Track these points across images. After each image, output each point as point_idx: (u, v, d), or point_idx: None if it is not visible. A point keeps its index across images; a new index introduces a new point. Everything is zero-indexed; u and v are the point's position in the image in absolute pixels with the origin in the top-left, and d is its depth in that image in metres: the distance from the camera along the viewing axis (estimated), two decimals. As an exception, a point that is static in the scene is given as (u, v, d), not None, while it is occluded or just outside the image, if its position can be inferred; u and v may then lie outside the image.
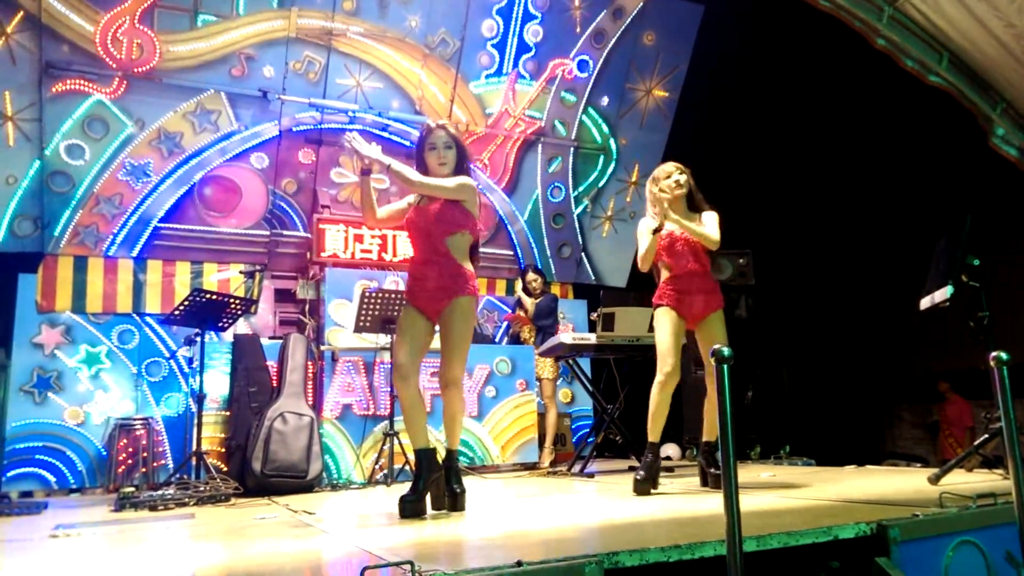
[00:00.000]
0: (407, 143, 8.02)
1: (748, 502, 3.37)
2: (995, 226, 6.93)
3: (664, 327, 4.08)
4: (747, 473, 5.13)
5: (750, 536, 2.31)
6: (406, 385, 3.48)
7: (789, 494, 3.70)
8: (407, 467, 5.72)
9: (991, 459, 4.16)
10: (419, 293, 3.53)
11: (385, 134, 8.02)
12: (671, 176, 4.15)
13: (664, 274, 4.22)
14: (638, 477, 3.96)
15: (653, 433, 4.07)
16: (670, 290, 4.13)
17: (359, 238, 7.71)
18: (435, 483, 3.53)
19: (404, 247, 7.73)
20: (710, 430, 4.15)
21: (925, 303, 4.18)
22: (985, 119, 5.67)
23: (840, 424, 9.05)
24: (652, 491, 3.96)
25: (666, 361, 4.01)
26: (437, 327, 3.59)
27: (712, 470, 4.11)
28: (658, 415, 4.05)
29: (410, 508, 3.37)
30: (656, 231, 4.04)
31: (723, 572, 1.89)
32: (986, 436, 3.93)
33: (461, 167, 3.61)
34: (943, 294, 3.93)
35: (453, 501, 3.51)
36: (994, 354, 2.81)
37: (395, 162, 3.52)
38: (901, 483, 4.01)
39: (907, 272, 5.50)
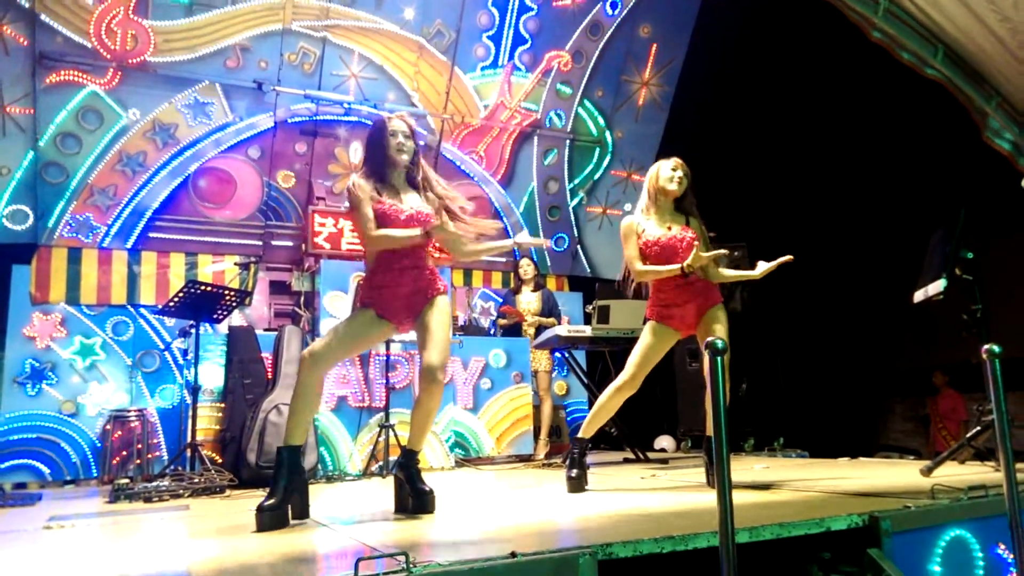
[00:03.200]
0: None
1: (741, 494, 3.38)
2: (989, 220, 6.95)
3: (647, 340, 3.93)
4: (741, 465, 5.15)
5: (743, 527, 2.33)
6: (319, 370, 3.22)
7: (782, 486, 3.71)
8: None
9: (983, 451, 4.19)
10: (390, 302, 3.30)
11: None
12: (675, 172, 3.97)
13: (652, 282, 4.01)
14: (573, 476, 3.88)
15: (588, 431, 4.01)
16: (659, 305, 3.96)
17: (354, 230, 7.70)
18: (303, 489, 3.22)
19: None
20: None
21: (919, 296, 4.19)
22: (979, 113, 5.67)
23: (834, 416, 9.08)
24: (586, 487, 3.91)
25: (632, 371, 3.88)
26: (404, 331, 3.46)
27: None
28: (602, 416, 3.99)
29: (274, 519, 3.01)
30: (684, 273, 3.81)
31: (716, 563, 1.90)
32: (978, 428, 3.95)
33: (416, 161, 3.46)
34: (937, 287, 3.94)
35: (423, 501, 3.23)
36: (986, 347, 2.82)
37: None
38: (893, 475, 4.04)
39: (901, 265, 5.51)
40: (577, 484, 3.89)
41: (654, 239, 3.94)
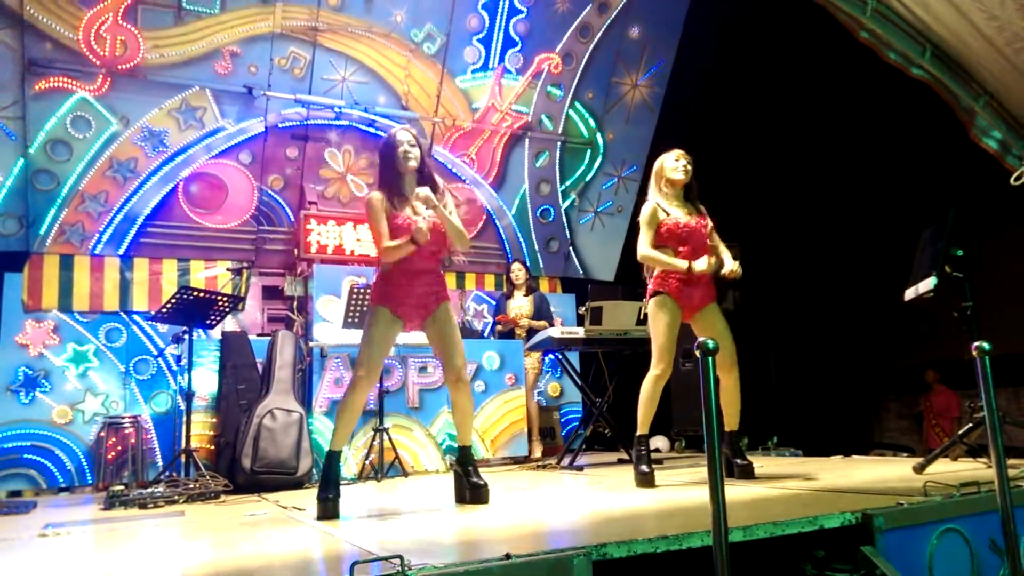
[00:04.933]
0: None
1: (735, 492, 3.40)
2: (980, 217, 6.98)
3: (663, 320, 4.03)
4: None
5: (736, 526, 2.34)
6: (373, 382, 3.72)
7: (775, 484, 3.73)
8: (397, 462, 5.75)
9: (975, 448, 4.21)
10: (405, 299, 3.63)
11: (372, 130, 8.00)
12: (678, 161, 4.17)
13: None
14: (644, 471, 3.96)
15: (644, 426, 4.08)
16: (674, 279, 4.08)
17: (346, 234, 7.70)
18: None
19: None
20: (730, 420, 4.11)
21: (910, 294, 4.22)
22: (967, 111, 5.69)
23: (827, 415, 9.10)
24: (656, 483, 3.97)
25: (663, 357, 3.98)
26: (415, 331, 3.83)
27: (738, 460, 4.09)
28: (650, 409, 4.06)
29: (334, 507, 3.47)
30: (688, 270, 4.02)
31: (710, 562, 1.91)
32: (970, 425, 3.97)
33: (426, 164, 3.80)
34: (927, 285, 3.97)
35: (477, 494, 3.60)
36: (977, 344, 2.84)
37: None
38: (886, 472, 4.05)
39: (892, 263, 5.54)
40: (650, 479, 3.95)
41: (683, 222, 4.11)
